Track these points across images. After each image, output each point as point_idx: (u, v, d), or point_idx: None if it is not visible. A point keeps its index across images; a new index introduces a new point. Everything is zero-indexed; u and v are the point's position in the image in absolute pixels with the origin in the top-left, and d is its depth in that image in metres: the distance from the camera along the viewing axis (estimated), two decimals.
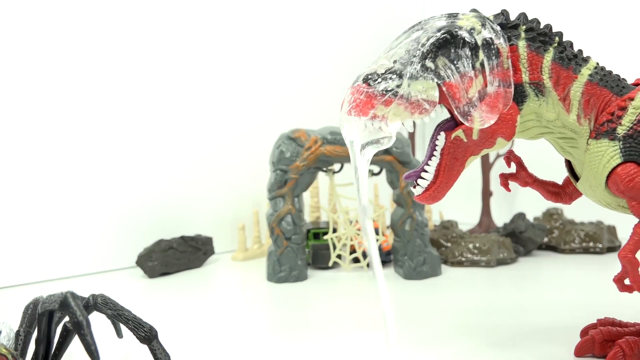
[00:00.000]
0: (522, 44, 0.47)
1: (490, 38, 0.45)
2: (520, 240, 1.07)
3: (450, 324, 0.67)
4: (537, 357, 0.55)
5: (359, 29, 1.54)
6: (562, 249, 1.09)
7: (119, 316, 0.45)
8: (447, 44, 0.44)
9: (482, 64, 0.44)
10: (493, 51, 0.45)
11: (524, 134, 0.50)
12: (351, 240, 0.98)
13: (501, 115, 0.46)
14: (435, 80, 0.44)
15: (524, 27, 0.47)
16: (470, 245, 1.00)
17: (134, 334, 0.45)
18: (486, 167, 1.34)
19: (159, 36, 1.13)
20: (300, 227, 0.93)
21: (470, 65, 0.44)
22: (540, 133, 0.50)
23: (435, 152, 0.48)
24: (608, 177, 0.47)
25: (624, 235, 1.23)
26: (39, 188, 0.97)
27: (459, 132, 0.46)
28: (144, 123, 1.11)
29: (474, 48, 0.44)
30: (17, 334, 0.46)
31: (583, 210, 1.31)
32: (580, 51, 0.49)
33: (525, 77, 0.47)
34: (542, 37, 0.47)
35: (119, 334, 0.53)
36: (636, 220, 0.48)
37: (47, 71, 0.98)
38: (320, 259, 1.00)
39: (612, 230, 1.12)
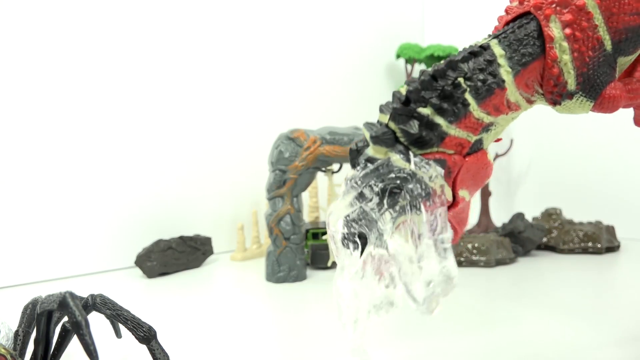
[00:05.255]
0: (445, 127, 0.41)
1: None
2: (519, 240, 1.07)
3: (448, 323, 0.67)
4: (536, 357, 0.55)
5: (358, 29, 1.54)
6: (561, 249, 1.09)
7: (118, 316, 0.45)
8: (394, 193, 0.39)
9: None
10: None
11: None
12: None
13: (481, 176, 0.44)
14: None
15: (431, 109, 0.41)
16: (469, 245, 1.00)
17: (132, 334, 0.45)
18: None
19: (159, 36, 1.13)
20: (299, 227, 0.93)
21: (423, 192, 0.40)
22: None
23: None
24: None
25: (622, 235, 1.24)
26: (39, 188, 0.97)
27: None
28: (144, 123, 1.11)
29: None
30: (16, 333, 0.46)
31: (582, 210, 1.32)
32: (477, 51, 0.42)
33: (472, 138, 0.42)
34: (449, 101, 0.41)
35: (118, 334, 0.53)
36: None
37: (47, 72, 0.98)
38: (319, 259, 1.00)
39: (610, 230, 1.13)
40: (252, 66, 1.29)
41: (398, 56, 1.54)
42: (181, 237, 1.05)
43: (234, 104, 1.26)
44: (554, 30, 0.43)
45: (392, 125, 0.41)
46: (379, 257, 0.40)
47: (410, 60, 1.52)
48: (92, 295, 0.46)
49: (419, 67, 1.69)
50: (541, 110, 1.39)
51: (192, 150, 1.18)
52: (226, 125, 1.24)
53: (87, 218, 1.03)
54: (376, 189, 0.39)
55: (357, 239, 0.40)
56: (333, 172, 0.98)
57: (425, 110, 0.40)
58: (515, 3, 0.46)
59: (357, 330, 0.42)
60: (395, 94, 0.42)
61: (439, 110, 0.40)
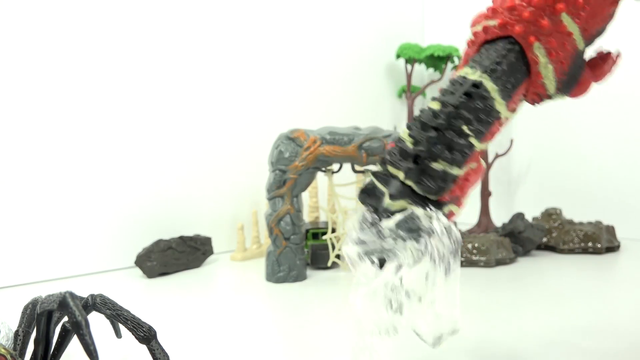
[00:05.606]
0: (456, 172, 0.43)
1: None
2: (519, 240, 1.07)
3: None
4: (535, 356, 0.55)
5: (358, 29, 1.54)
6: (561, 249, 1.09)
7: (118, 316, 0.45)
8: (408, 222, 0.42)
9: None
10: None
11: None
12: None
13: (477, 183, 0.46)
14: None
15: (443, 163, 0.43)
16: (469, 246, 1.00)
17: (132, 334, 0.45)
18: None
19: (159, 36, 1.13)
20: (299, 227, 0.93)
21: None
22: None
23: None
24: None
25: (623, 235, 1.24)
26: (39, 188, 0.97)
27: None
28: (144, 123, 1.11)
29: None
30: (16, 333, 0.45)
31: (582, 210, 1.32)
32: (471, 92, 0.43)
33: (475, 166, 0.44)
34: (458, 150, 0.42)
35: (118, 334, 0.53)
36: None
37: (47, 72, 0.98)
38: (319, 259, 1.00)
39: (610, 230, 1.13)
40: (252, 66, 1.29)
41: (398, 56, 1.54)
42: (181, 237, 1.05)
43: (233, 104, 1.26)
44: (539, 56, 0.44)
45: (409, 182, 0.42)
46: (392, 286, 0.41)
47: (410, 60, 1.52)
48: (92, 295, 0.46)
49: (419, 67, 1.69)
50: (541, 110, 1.39)
51: (192, 150, 1.18)
52: (226, 125, 1.24)
53: (87, 218, 1.03)
54: (400, 239, 0.41)
55: (375, 258, 0.42)
56: (333, 172, 0.98)
57: (438, 166, 0.42)
58: (494, 22, 0.45)
59: (362, 344, 0.44)
60: (403, 150, 0.43)
61: (451, 161, 0.42)
